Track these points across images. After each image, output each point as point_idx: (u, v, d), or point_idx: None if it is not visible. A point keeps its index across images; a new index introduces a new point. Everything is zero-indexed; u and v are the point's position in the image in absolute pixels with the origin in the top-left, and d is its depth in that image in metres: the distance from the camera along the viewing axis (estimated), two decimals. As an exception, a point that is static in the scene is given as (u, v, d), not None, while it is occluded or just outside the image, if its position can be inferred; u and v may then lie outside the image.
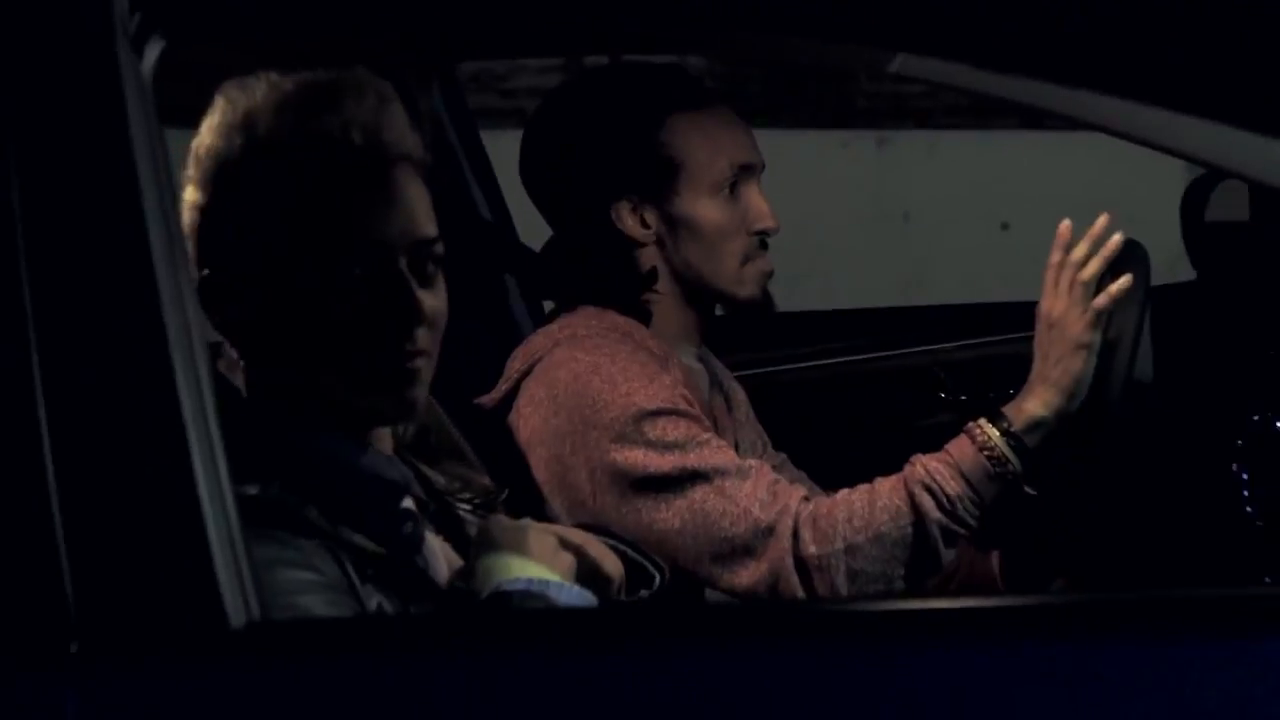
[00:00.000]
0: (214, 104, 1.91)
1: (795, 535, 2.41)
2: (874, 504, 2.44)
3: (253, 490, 1.77)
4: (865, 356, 3.42)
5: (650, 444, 2.42)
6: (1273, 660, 1.48)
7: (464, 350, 2.08)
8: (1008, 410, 2.48)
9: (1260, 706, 1.47)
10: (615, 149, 2.60)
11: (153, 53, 1.61)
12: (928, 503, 2.42)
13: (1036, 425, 2.46)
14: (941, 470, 2.44)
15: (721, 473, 2.42)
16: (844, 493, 2.48)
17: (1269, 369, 2.71)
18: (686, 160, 2.59)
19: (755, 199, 2.64)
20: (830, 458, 2.81)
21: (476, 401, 2.59)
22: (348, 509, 1.86)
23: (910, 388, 3.36)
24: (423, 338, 1.92)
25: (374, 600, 1.84)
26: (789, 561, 2.39)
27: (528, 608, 1.88)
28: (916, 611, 1.60)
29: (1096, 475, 2.66)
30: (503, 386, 2.57)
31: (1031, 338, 3.09)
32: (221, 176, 1.89)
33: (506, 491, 2.18)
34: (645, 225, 2.61)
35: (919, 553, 2.43)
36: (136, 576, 1.50)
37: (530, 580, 1.93)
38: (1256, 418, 2.65)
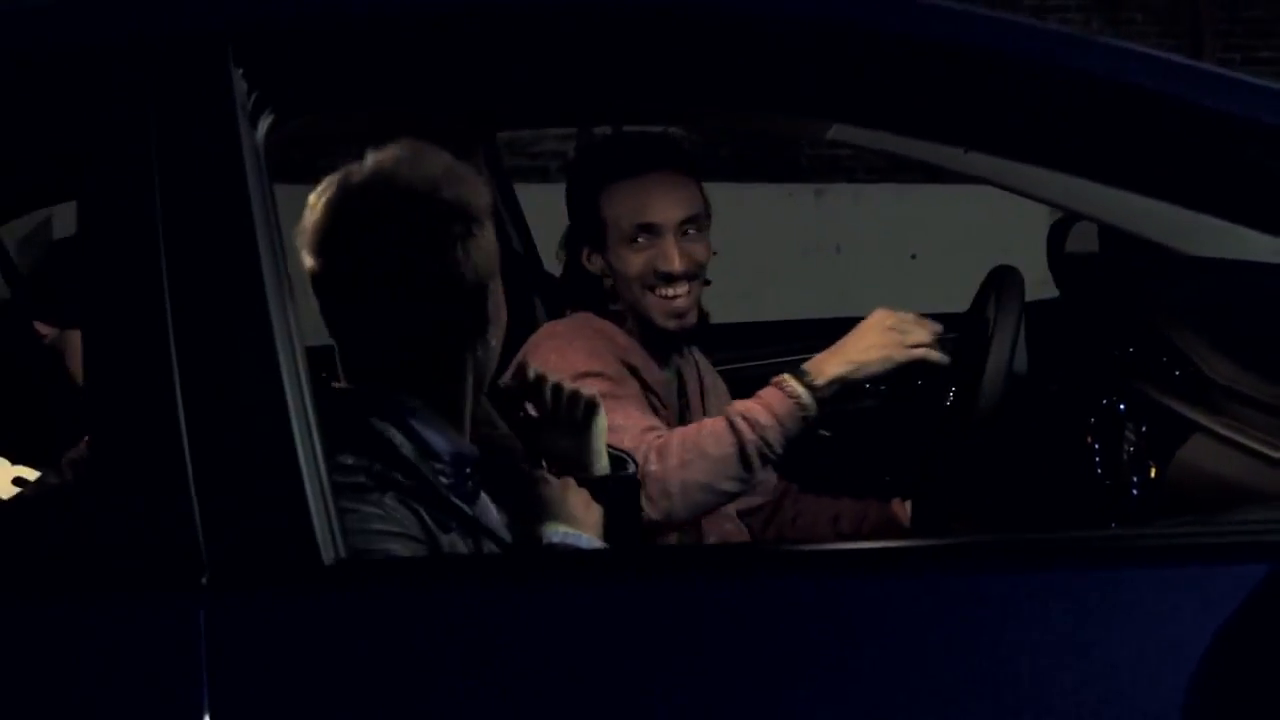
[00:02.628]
0: (345, 169, 1.91)
1: (645, 458, 2.40)
2: (700, 431, 2.47)
3: (349, 460, 1.76)
4: (805, 355, 3.40)
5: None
6: (1118, 584, 1.47)
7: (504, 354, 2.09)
8: (810, 366, 2.52)
9: (1107, 622, 1.46)
10: (576, 208, 2.69)
11: (264, 124, 1.60)
12: (744, 428, 2.44)
13: (831, 383, 2.49)
14: (755, 408, 2.47)
15: (621, 428, 2.40)
16: (682, 428, 2.51)
17: (1114, 364, 2.70)
18: (609, 221, 2.63)
19: (663, 248, 2.62)
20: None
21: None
22: (423, 475, 1.84)
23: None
24: (494, 346, 1.97)
25: (446, 543, 1.82)
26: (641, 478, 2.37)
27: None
28: (845, 551, 1.58)
29: (986, 442, 2.65)
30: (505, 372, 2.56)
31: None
32: (348, 225, 1.88)
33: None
34: (596, 266, 2.67)
35: (736, 468, 2.44)
36: (251, 525, 1.49)
37: (565, 533, 1.93)
38: (1104, 401, 2.64)
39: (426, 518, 1.81)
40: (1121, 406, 2.56)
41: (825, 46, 1.62)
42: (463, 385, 1.94)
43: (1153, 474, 2.34)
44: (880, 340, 2.54)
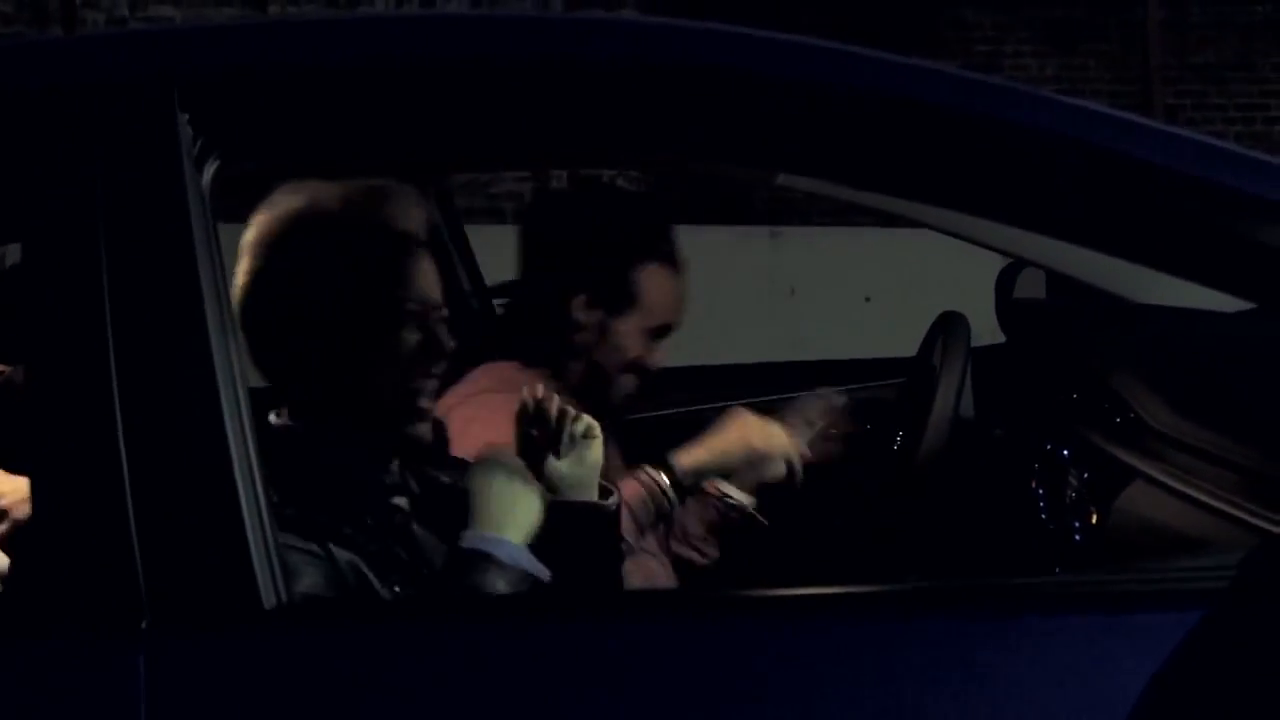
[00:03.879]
0: (269, 205, 1.91)
1: None
2: None
3: (276, 500, 1.76)
4: (759, 399, 3.40)
5: None
6: (1061, 630, 1.48)
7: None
8: (675, 461, 2.54)
9: (1048, 667, 1.46)
10: (603, 260, 2.57)
11: (210, 169, 1.60)
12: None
13: (696, 474, 2.54)
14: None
15: None
16: None
17: (1058, 410, 2.72)
18: (642, 301, 2.58)
19: (659, 348, 2.63)
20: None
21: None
22: (351, 510, 1.85)
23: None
24: (437, 371, 1.96)
25: (376, 579, 1.82)
26: None
27: (476, 565, 1.87)
28: (783, 597, 1.58)
29: (933, 488, 2.66)
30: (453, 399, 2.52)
31: (884, 387, 3.11)
32: (279, 259, 1.88)
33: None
34: (587, 318, 2.59)
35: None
36: (192, 568, 1.49)
37: (482, 537, 1.90)
38: (1049, 447, 2.65)
39: (365, 555, 1.81)
40: (1065, 452, 2.57)
41: (774, 101, 1.64)
42: (401, 414, 1.94)
43: (1094, 520, 2.36)
44: (742, 431, 2.61)
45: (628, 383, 2.63)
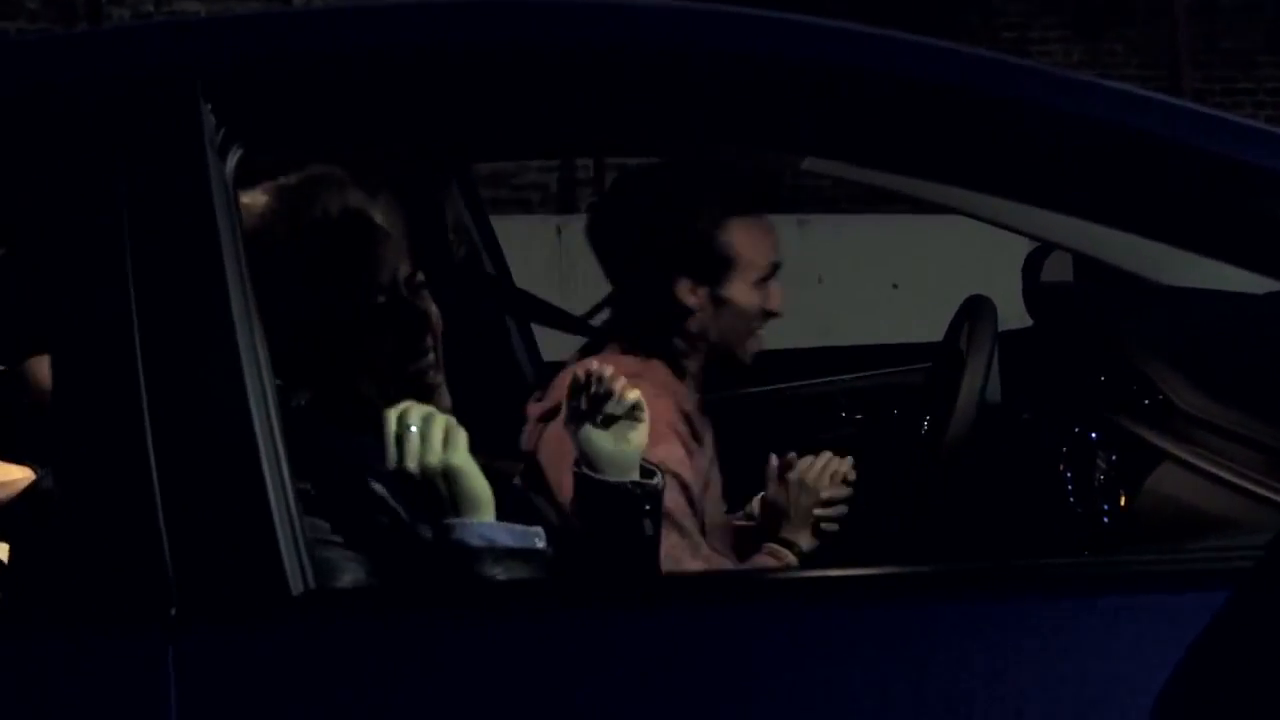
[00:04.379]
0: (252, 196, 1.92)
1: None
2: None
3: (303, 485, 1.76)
4: (787, 385, 3.41)
5: None
6: (1091, 611, 1.48)
7: (480, 372, 2.07)
8: (791, 538, 2.61)
9: (1078, 649, 1.46)
10: (686, 239, 2.57)
11: (233, 159, 1.60)
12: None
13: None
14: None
15: (686, 533, 2.42)
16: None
17: (1086, 392, 2.71)
18: (739, 259, 2.58)
19: (775, 288, 2.64)
20: (761, 459, 2.80)
21: (527, 409, 2.60)
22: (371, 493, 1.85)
23: (820, 410, 3.35)
24: (429, 341, 1.94)
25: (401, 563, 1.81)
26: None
27: (473, 548, 1.82)
28: (814, 579, 1.58)
29: (961, 472, 2.66)
30: (549, 403, 2.53)
31: (911, 372, 3.11)
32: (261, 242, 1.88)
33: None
34: (698, 299, 2.59)
35: None
36: (220, 557, 1.49)
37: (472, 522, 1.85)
38: (1077, 429, 2.64)
39: (397, 544, 1.81)
40: (1093, 435, 2.57)
41: (802, 85, 1.63)
42: (412, 391, 1.90)
43: (1123, 502, 2.35)
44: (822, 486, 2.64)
45: (759, 336, 2.66)
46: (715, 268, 2.58)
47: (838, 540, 2.81)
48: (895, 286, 7.58)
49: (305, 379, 1.92)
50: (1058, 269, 3.16)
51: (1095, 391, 2.66)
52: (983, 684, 1.45)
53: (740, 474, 2.79)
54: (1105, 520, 2.43)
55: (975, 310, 2.74)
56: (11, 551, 2.20)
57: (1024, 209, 2.45)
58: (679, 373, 2.61)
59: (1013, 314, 3.11)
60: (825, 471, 2.64)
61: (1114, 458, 2.45)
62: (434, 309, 1.97)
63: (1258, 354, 2.21)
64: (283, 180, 1.93)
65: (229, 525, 1.49)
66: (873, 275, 7.53)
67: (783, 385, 3.40)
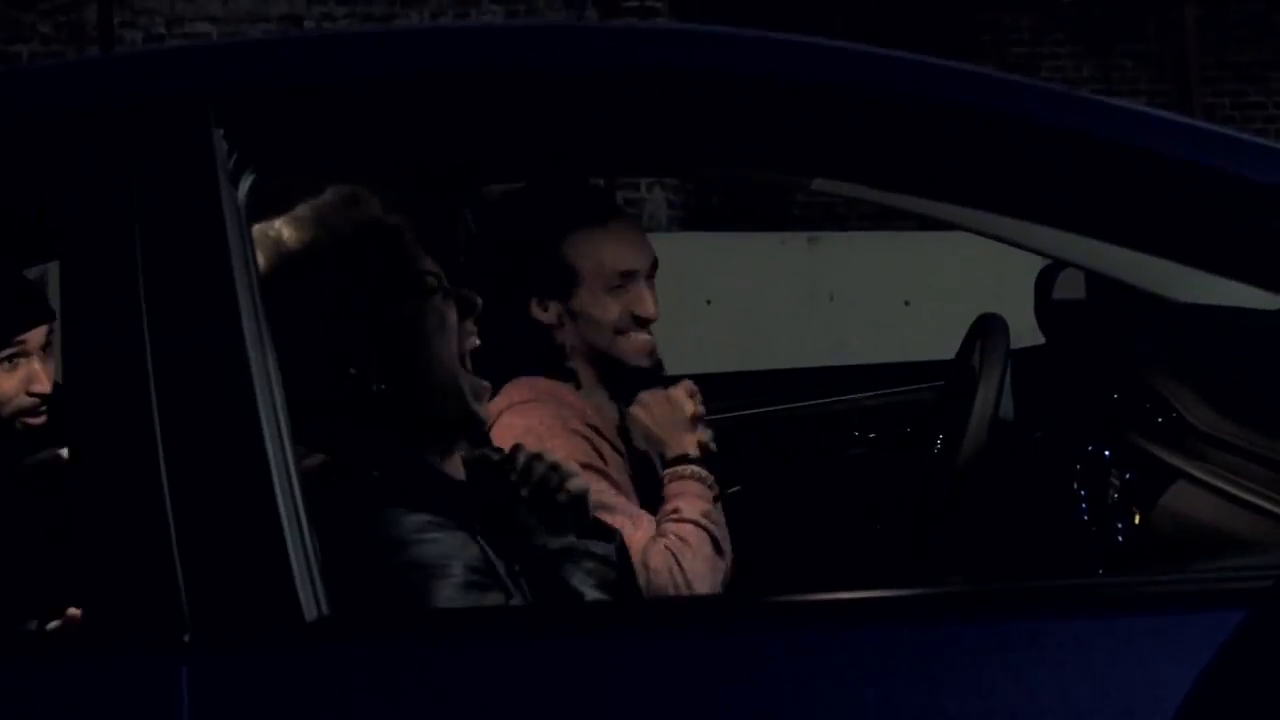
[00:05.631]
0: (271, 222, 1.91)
1: (667, 565, 2.44)
2: (689, 547, 2.47)
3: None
4: (799, 404, 3.41)
5: None
6: (1105, 632, 1.47)
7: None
8: (677, 453, 2.61)
9: (1091, 669, 1.45)
10: (527, 258, 2.63)
11: (245, 184, 1.61)
12: (707, 524, 2.52)
13: (699, 454, 2.61)
14: (694, 504, 2.54)
15: (609, 508, 2.42)
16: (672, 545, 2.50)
17: (1099, 411, 2.71)
18: (581, 268, 2.61)
19: (639, 293, 2.64)
20: (772, 479, 2.80)
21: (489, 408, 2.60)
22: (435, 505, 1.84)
23: (832, 427, 3.35)
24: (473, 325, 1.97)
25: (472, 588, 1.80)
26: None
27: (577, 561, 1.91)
28: (824, 601, 1.58)
29: (974, 491, 2.65)
30: (502, 400, 2.56)
31: (923, 390, 3.11)
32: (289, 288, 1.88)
33: None
34: (550, 315, 2.63)
35: (716, 557, 2.51)
36: (234, 582, 1.49)
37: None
38: (1090, 448, 2.64)
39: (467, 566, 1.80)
40: (1106, 453, 2.56)
41: (811, 106, 1.63)
42: (462, 394, 1.93)
43: (1136, 521, 2.34)
44: (682, 403, 2.63)
45: (636, 342, 2.66)
46: (559, 283, 2.62)
47: (850, 559, 2.82)
48: (907, 304, 7.57)
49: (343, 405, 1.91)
50: (1070, 286, 3.16)
51: (1108, 409, 2.66)
52: (995, 705, 1.44)
53: (755, 493, 2.79)
54: (1119, 539, 2.43)
55: (987, 328, 2.74)
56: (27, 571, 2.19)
57: (1034, 226, 2.46)
58: (578, 386, 2.64)
59: (1025, 332, 3.11)
60: (677, 394, 2.66)
61: (1127, 476, 2.44)
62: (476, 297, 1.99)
63: (1272, 371, 2.20)
64: (317, 203, 1.93)
65: (243, 550, 1.49)
66: (884, 293, 7.52)
67: (794, 404, 3.39)
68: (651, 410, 2.64)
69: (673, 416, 2.63)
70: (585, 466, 2.44)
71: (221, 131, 1.59)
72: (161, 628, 1.46)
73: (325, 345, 1.86)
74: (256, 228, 1.83)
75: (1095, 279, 3.14)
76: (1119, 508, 2.46)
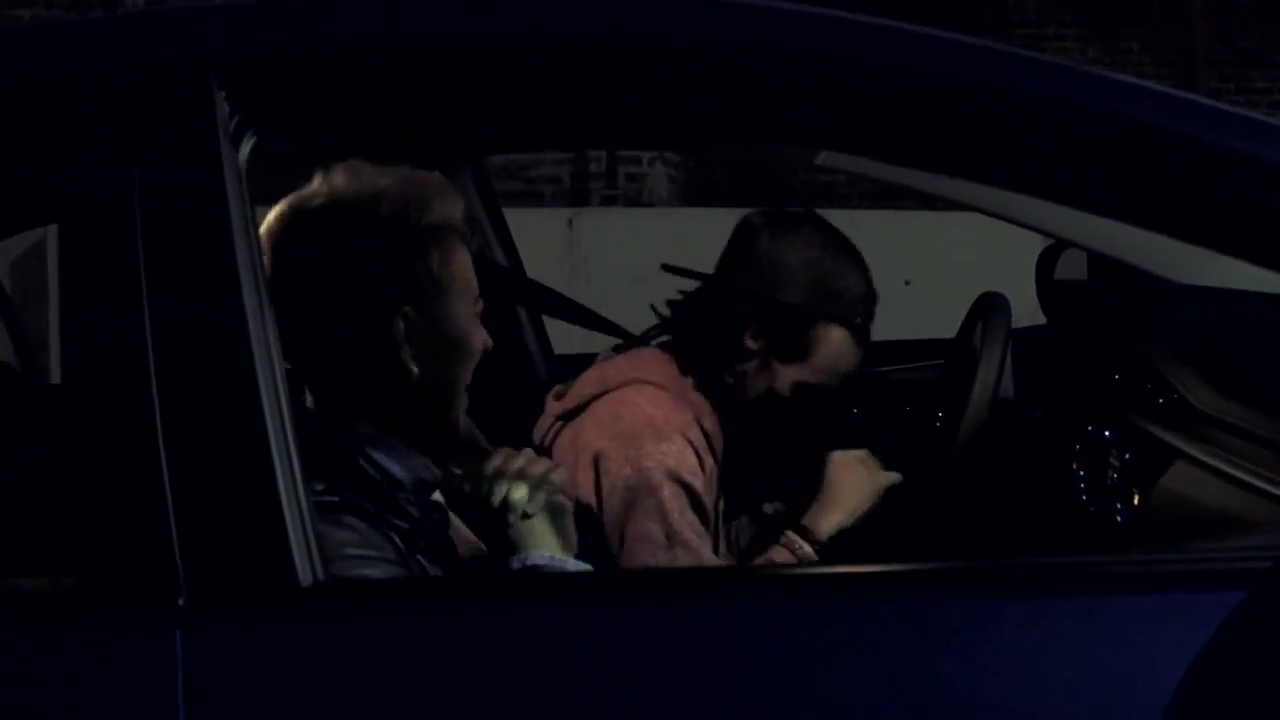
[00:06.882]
0: (311, 187, 1.90)
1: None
2: None
3: (321, 488, 1.75)
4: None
5: (659, 502, 2.39)
6: (1104, 611, 1.48)
7: (492, 363, 2.06)
8: (809, 524, 2.57)
9: (1090, 648, 1.46)
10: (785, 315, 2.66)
11: (247, 147, 1.60)
12: None
13: (829, 537, 2.55)
14: None
15: (685, 545, 2.39)
16: None
17: (1100, 391, 2.70)
18: (815, 351, 2.67)
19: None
20: (772, 458, 2.80)
21: (547, 403, 2.59)
22: (394, 501, 1.84)
23: (832, 406, 3.34)
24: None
25: (417, 566, 1.81)
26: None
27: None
28: (826, 575, 1.58)
29: (973, 470, 2.65)
30: (570, 403, 2.53)
31: (924, 368, 3.10)
32: (320, 243, 1.87)
33: None
34: (757, 356, 2.60)
35: None
36: (229, 548, 1.49)
37: (550, 556, 1.90)
38: (1091, 428, 2.63)
39: (398, 542, 1.80)
40: (1107, 433, 2.56)
41: (816, 77, 1.62)
42: (417, 407, 1.91)
43: (1136, 501, 2.34)
44: (856, 477, 2.62)
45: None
46: (798, 349, 2.62)
47: (849, 535, 2.81)
48: (908, 283, 7.56)
49: (334, 380, 1.91)
50: (1072, 266, 3.15)
51: (1109, 389, 2.65)
52: (992, 682, 1.44)
53: (752, 472, 2.78)
54: (1118, 519, 2.43)
55: (989, 307, 2.73)
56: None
57: (1037, 204, 2.45)
58: (704, 388, 2.59)
59: (1026, 311, 3.10)
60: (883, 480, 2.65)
61: (1128, 456, 2.44)
62: (476, 343, 1.98)
63: (1273, 353, 2.20)
64: (390, 174, 1.92)
65: (238, 515, 1.49)
66: (885, 271, 7.47)
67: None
68: (851, 473, 2.63)
69: (859, 496, 2.62)
70: (676, 480, 2.41)
71: (224, 93, 1.58)
72: (156, 592, 1.46)
73: (380, 327, 1.87)
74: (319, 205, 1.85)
75: (1097, 260, 3.14)
76: (1119, 488, 2.46)
